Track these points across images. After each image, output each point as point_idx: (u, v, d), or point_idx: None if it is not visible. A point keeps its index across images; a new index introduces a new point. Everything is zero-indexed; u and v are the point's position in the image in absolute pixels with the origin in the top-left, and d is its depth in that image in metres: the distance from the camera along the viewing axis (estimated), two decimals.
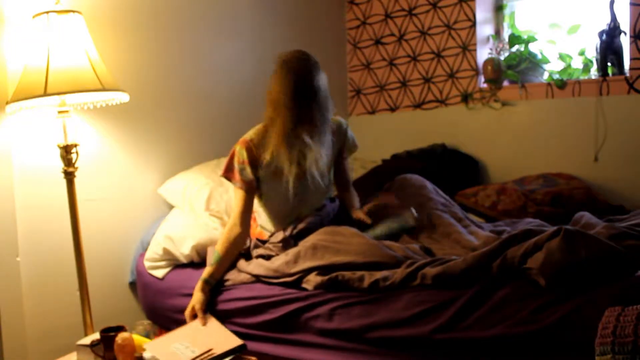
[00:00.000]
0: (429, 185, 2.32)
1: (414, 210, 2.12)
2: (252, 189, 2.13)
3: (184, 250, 2.25)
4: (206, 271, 2.05)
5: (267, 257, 2.06)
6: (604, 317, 1.36)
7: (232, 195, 2.27)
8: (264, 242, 2.17)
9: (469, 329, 1.57)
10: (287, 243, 2.10)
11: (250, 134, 2.14)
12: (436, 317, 1.63)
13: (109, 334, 1.74)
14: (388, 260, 1.87)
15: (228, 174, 2.13)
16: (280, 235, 2.12)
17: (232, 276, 2.07)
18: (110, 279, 2.39)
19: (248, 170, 2.09)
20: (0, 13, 2.04)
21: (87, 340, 1.84)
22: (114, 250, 2.41)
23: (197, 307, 1.96)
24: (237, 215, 2.11)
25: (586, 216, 2.03)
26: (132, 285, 2.45)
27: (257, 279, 2.01)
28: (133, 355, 1.71)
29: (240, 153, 2.10)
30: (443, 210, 2.18)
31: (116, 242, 2.41)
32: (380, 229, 2.10)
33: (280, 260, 1.99)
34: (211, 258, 2.10)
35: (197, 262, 2.27)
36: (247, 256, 2.15)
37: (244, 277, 2.04)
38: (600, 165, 2.74)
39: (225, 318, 2.01)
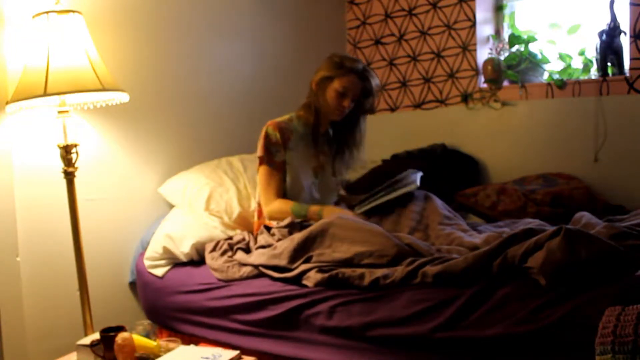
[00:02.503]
0: (436, 200, 2.28)
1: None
2: (284, 170, 2.27)
3: (184, 248, 2.25)
4: (312, 211, 2.18)
5: (268, 247, 2.07)
6: (604, 316, 1.36)
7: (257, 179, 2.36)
8: (269, 228, 2.19)
9: (469, 328, 1.57)
10: (294, 227, 2.13)
11: (278, 119, 2.30)
12: (436, 316, 1.62)
13: (109, 334, 1.73)
14: (389, 248, 1.86)
15: (266, 155, 2.25)
16: (287, 220, 2.15)
17: (233, 270, 2.07)
18: (110, 279, 2.39)
19: (282, 152, 2.25)
20: (0, 13, 2.04)
21: (87, 340, 1.83)
22: (114, 250, 2.41)
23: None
24: (274, 194, 2.25)
25: (586, 216, 2.03)
26: (132, 285, 2.45)
27: (259, 271, 2.02)
28: (133, 355, 1.70)
29: (273, 134, 2.25)
30: (447, 224, 2.17)
31: (116, 242, 2.41)
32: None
33: (285, 245, 2.00)
34: (299, 210, 2.20)
35: (196, 260, 2.27)
36: (247, 250, 2.16)
37: (245, 270, 2.05)
38: (600, 165, 2.73)
39: (225, 314, 2.01)
